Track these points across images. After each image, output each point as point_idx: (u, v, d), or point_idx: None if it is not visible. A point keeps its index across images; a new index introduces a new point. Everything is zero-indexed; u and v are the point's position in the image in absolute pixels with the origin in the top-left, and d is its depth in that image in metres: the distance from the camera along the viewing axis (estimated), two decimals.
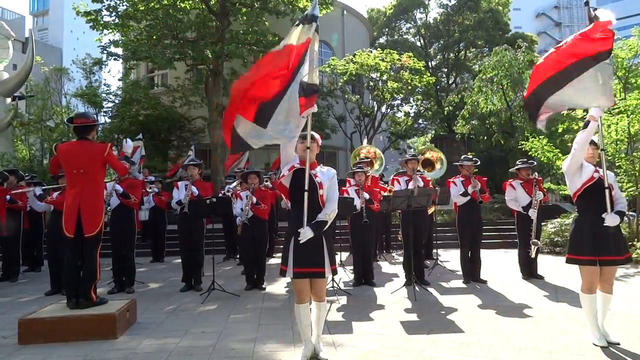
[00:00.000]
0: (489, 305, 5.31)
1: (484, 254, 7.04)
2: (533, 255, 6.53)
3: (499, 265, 8.22)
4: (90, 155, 4.63)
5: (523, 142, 10.30)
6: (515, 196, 6.73)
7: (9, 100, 15.84)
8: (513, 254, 7.94)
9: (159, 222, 9.49)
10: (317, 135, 3.64)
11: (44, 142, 17.22)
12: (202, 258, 6.67)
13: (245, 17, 14.78)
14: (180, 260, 6.96)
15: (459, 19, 25.82)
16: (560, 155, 9.44)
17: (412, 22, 27.85)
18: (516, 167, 6.87)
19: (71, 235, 4.53)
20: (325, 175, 3.57)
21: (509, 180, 6.95)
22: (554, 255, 9.09)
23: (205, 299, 5.77)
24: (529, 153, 9.75)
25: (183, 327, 4.62)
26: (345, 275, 7.34)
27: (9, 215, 7.29)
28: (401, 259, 7.85)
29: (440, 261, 8.07)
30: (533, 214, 6.42)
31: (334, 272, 3.61)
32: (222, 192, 8.69)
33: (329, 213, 3.46)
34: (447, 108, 18.97)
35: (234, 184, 7.99)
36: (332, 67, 18.24)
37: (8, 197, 7.06)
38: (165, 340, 4.18)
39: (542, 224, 8.71)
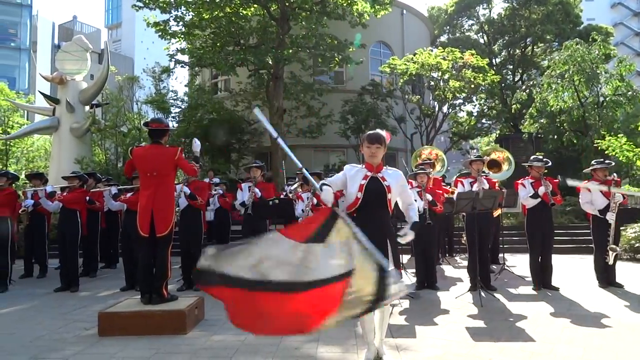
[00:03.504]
0: (562, 313, 5.02)
1: (556, 259, 6.67)
2: (611, 262, 6.10)
3: (573, 271, 7.76)
4: (163, 159, 4.87)
5: (599, 141, 9.68)
6: (591, 199, 6.32)
7: (87, 107, 17.05)
8: (588, 260, 7.47)
9: (224, 223, 9.79)
10: (384, 133, 3.52)
11: (118, 146, 18.33)
12: None
13: (304, 22, 14.98)
14: None
15: (526, 13, 24.64)
16: None
17: (475, 19, 26.94)
18: (591, 168, 6.45)
19: (146, 235, 4.78)
20: (393, 178, 3.51)
21: (584, 182, 6.54)
22: (635, 262, 8.46)
23: None
24: (606, 152, 9.14)
25: None
26: (407, 278, 7.22)
27: (89, 215, 7.82)
28: (465, 263, 7.62)
29: (508, 266, 7.73)
30: (611, 217, 6.01)
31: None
32: (283, 193, 8.84)
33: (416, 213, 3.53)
34: (513, 106, 18.17)
35: (295, 185, 8.10)
36: (391, 67, 18.05)
37: (87, 198, 7.58)
38: (231, 337, 4.31)
39: (621, 228, 8.11)
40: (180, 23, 15.51)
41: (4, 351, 4.06)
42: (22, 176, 13.06)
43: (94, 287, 7.16)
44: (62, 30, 62.18)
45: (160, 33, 15.45)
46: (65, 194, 7.19)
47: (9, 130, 19.77)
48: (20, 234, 8.35)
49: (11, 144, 20.16)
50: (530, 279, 6.52)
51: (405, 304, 5.58)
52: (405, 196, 3.63)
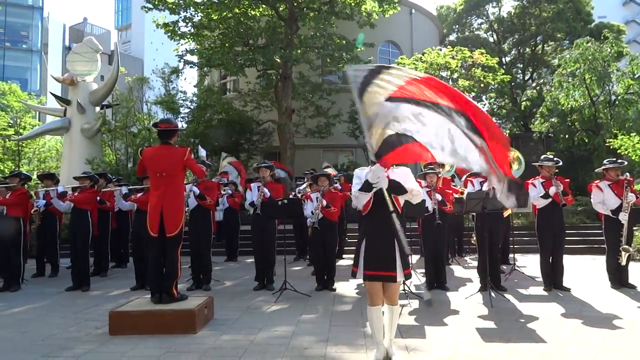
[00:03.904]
0: (573, 314, 4.97)
1: (567, 260, 6.61)
2: (623, 263, 6.04)
3: (584, 272, 7.69)
4: (172, 159, 4.89)
5: (611, 140, 9.56)
6: (603, 199, 6.25)
7: (97, 108, 17.19)
8: (600, 260, 7.40)
9: (233, 223, 9.83)
10: None
11: (128, 147, 18.45)
12: (274, 258, 6.83)
13: (312, 22, 14.99)
14: (252, 260, 7.18)
15: (536, 11, 24.43)
16: None
17: (484, 17, 26.76)
18: (603, 167, 6.38)
19: (155, 235, 4.81)
20: (400, 176, 3.50)
21: (596, 182, 6.47)
22: None
23: (278, 298, 5.90)
24: (618, 151, 9.03)
25: (257, 324, 4.76)
26: (417, 278, 7.19)
27: (100, 215, 7.88)
28: (474, 263, 7.58)
29: (518, 266, 7.68)
30: (624, 217, 5.93)
31: (408, 277, 3.53)
32: (292, 193, 8.85)
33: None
34: (524, 103, 17.99)
35: (304, 185, 8.10)
36: (400, 66, 17.99)
37: (98, 198, 7.64)
38: (240, 337, 4.33)
39: (634, 228, 8.01)
40: (189, 24, 15.60)
41: (17, 349, 4.11)
42: (34, 176, 13.19)
43: (104, 287, 7.22)
44: (73, 32, 62.78)
45: (169, 34, 15.55)
46: (76, 194, 7.26)
47: (21, 131, 19.99)
48: (33, 233, 8.44)
49: (23, 144, 20.39)
50: (541, 279, 6.46)
51: (415, 304, 5.56)
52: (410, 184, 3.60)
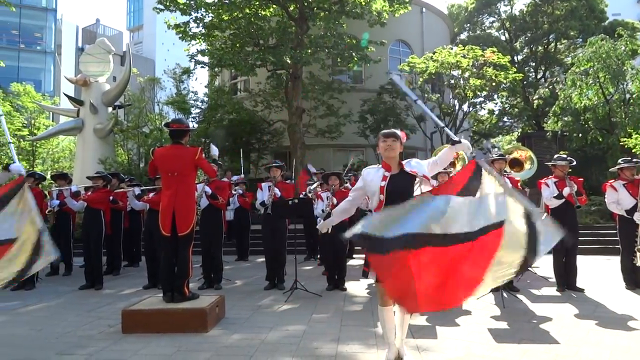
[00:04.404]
0: (587, 315, 4.91)
1: (581, 260, 6.53)
2: (638, 264, 5.94)
3: (598, 273, 7.59)
4: (183, 159, 4.92)
5: (625, 139, 9.43)
6: (617, 198, 6.16)
7: (110, 109, 17.37)
8: (614, 261, 7.30)
9: (244, 222, 9.86)
10: (400, 133, 3.53)
11: (140, 147, 18.61)
12: (285, 257, 6.85)
13: (323, 21, 14.98)
14: (263, 259, 7.20)
15: (549, 9, 24.19)
16: None
17: (496, 16, 26.56)
18: (618, 167, 6.29)
19: (167, 234, 4.85)
20: (416, 167, 3.45)
21: (610, 181, 6.38)
22: None
23: (288, 297, 5.91)
24: (633, 150, 8.90)
25: (268, 324, 4.77)
26: None
27: (112, 215, 7.96)
28: None
29: (531, 267, 7.60)
30: (639, 218, 5.84)
31: None
32: (303, 193, 8.85)
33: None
34: (536, 101, 17.83)
35: (315, 185, 8.11)
36: (411, 65, 17.91)
37: (111, 197, 7.72)
38: (251, 336, 4.34)
39: None
40: (200, 24, 15.68)
41: (33, 346, 4.17)
42: (48, 176, 13.38)
43: (117, 285, 7.29)
44: (86, 33, 63.52)
45: (180, 35, 15.63)
46: (89, 193, 7.34)
47: (35, 131, 20.28)
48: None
49: (38, 145, 20.68)
50: (553, 280, 6.40)
51: None
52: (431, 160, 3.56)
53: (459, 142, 3.35)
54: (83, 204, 7.30)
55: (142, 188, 8.27)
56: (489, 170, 3.24)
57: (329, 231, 3.90)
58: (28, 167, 19.02)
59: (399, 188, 3.38)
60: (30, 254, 3.48)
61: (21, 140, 19.53)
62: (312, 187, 8.19)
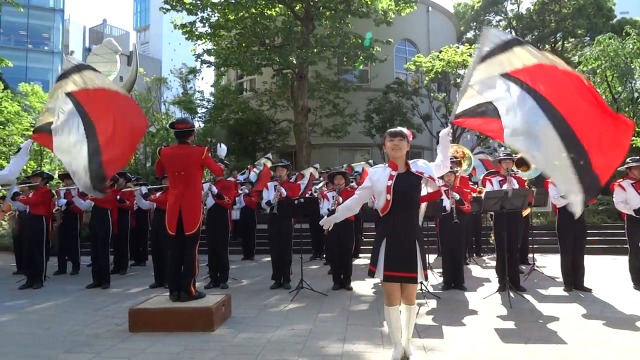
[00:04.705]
0: (595, 315, 4.88)
1: (588, 260, 6.49)
2: None
3: (606, 272, 7.54)
4: (190, 158, 4.94)
5: (634, 139, 9.35)
6: (626, 198, 6.11)
7: None
8: (621, 261, 7.25)
9: (250, 222, 9.88)
10: (407, 132, 3.51)
11: (146, 146, 18.71)
12: (291, 257, 6.85)
13: (328, 21, 14.98)
14: (269, 259, 7.21)
15: (556, 7, 24.08)
16: None
17: (503, 14, 26.49)
18: (626, 166, 6.23)
19: (173, 233, 4.87)
20: (422, 168, 3.44)
21: (618, 181, 6.33)
22: None
23: (294, 297, 5.91)
24: None
25: (274, 323, 4.77)
26: (434, 278, 7.14)
27: (119, 214, 8.00)
28: (493, 263, 7.49)
29: (537, 266, 7.56)
30: None
31: (426, 278, 3.49)
32: (308, 192, 8.86)
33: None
34: None
35: (320, 184, 8.11)
36: (417, 65, 17.87)
37: (118, 197, 7.76)
38: (257, 335, 4.35)
39: None
40: (207, 24, 15.74)
41: (41, 345, 4.20)
42: (56, 176, 13.47)
43: (124, 284, 7.33)
44: (93, 33, 63.91)
45: (187, 35, 15.71)
46: None
47: None
48: (54, 232, 8.61)
49: None
50: (560, 279, 6.36)
51: (432, 304, 5.53)
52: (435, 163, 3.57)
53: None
54: (90, 203, 7.34)
55: (149, 187, 8.31)
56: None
57: (330, 228, 3.90)
58: (36, 166, 19.16)
59: (405, 187, 3.36)
60: None
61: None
62: (317, 187, 8.20)
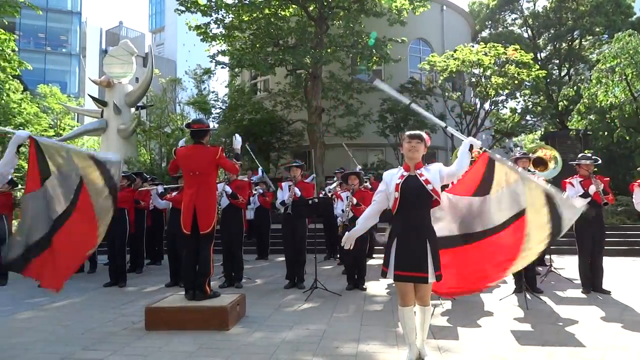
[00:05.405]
0: (614, 318, 4.80)
1: (607, 261, 6.38)
2: None
3: (625, 274, 7.41)
4: (205, 158, 4.98)
5: None
6: None
7: (133, 109, 17.67)
8: None
9: (264, 221, 9.91)
10: (425, 136, 3.53)
11: (162, 147, 18.90)
12: (305, 257, 6.86)
13: (342, 20, 14.96)
14: (283, 258, 7.23)
15: (573, 5, 23.67)
16: None
17: (519, 13, 26.13)
18: None
19: (188, 233, 4.91)
20: (431, 173, 3.44)
21: (638, 181, 6.21)
22: None
23: (308, 296, 5.92)
24: None
25: (288, 322, 4.79)
26: None
27: (136, 213, 8.08)
28: None
29: (555, 268, 7.46)
30: None
31: (438, 278, 3.46)
32: (322, 193, 8.86)
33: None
34: (561, 103, 17.48)
35: (334, 184, 8.11)
36: (431, 64, 17.74)
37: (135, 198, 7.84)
38: (272, 334, 4.37)
39: None
40: (221, 25, 15.84)
41: (59, 341, 4.27)
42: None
43: (140, 283, 7.41)
44: (109, 35, 64.73)
45: (201, 36, 15.82)
46: None
47: (61, 132, 20.79)
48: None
49: None
50: (578, 281, 6.27)
51: (447, 305, 5.48)
52: (449, 171, 3.57)
53: (470, 144, 3.54)
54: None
55: (164, 187, 8.39)
56: (500, 160, 3.49)
57: (352, 247, 3.82)
58: None
59: (413, 188, 3.37)
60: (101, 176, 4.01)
61: None
62: (331, 187, 8.20)
